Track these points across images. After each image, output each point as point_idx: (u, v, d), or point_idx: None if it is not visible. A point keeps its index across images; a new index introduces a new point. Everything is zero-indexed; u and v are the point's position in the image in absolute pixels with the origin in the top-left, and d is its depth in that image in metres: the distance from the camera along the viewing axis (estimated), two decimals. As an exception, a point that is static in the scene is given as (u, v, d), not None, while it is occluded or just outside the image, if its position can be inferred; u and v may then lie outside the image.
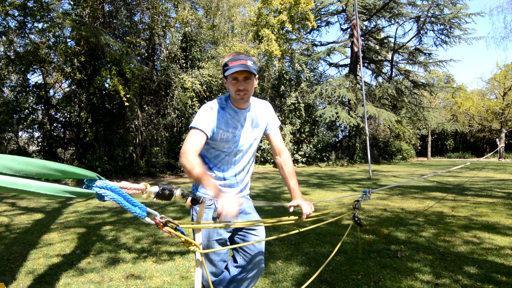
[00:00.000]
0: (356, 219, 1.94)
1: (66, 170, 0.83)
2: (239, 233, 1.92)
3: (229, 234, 1.91)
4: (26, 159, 0.77)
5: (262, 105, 1.97)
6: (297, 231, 1.81)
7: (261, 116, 1.93)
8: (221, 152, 1.83)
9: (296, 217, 1.73)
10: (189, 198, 1.25)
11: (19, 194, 9.10)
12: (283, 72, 20.30)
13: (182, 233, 1.17)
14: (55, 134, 14.21)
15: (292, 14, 19.08)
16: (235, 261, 1.93)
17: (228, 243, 1.92)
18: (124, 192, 0.98)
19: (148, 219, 1.06)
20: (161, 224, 1.11)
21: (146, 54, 15.60)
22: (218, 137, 1.78)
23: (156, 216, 1.10)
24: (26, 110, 13.20)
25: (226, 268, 1.97)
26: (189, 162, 1.60)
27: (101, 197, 0.93)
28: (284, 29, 20.15)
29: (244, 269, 1.89)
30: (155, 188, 1.12)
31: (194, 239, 1.40)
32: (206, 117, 1.75)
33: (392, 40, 24.44)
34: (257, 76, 1.79)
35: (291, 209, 1.83)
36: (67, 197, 0.85)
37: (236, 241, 1.92)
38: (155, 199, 1.13)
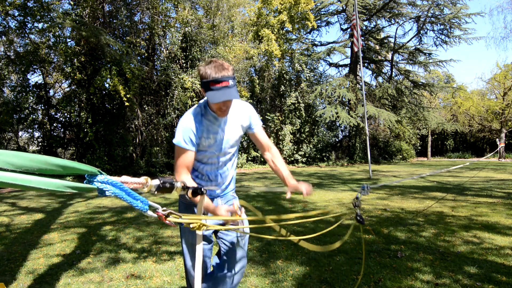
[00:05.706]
0: (358, 217, 1.93)
1: (68, 165, 0.84)
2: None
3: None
4: (28, 155, 0.78)
5: (242, 107, 2.02)
6: (301, 237, 1.83)
7: (241, 118, 2.00)
8: (204, 157, 1.93)
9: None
10: (190, 190, 1.25)
11: (20, 193, 9.00)
12: (283, 72, 20.29)
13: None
14: (55, 134, 14.22)
15: (292, 14, 19.09)
16: (218, 256, 2.02)
17: (212, 238, 2.01)
18: (125, 186, 0.98)
19: (150, 212, 1.06)
20: (164, 216, 1.11)
21: (146, 54, 15.59)
22: (201, 144, 1.88)
23: (157, 208, 1.10)
24: (26, 110, 13.21)
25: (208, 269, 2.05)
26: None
27: (102, 192, 0.93)
28: (284, 29, 20.15)
29: (226, 265, 1.97)
30: (156, 182, 1.12)
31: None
32: (187, 132, 1.83)
33: (392, 40, 24.41)
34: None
35: (288, 195, 1.86)
36: (68, 192, 0.86)
37: (220, 236, 2.00)
38: (156, 192, 1.14)
